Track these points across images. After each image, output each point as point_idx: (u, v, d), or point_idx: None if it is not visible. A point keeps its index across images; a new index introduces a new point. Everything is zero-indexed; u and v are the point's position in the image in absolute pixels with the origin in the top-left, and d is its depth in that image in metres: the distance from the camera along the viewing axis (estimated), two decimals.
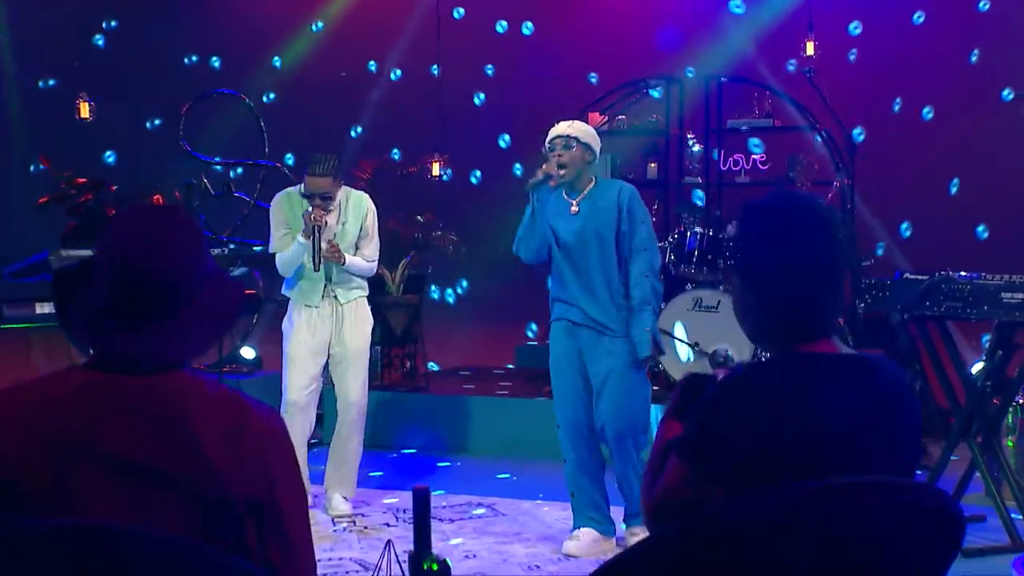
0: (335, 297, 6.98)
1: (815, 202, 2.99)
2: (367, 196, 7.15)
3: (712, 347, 8.97)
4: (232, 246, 8.95)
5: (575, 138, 6.40)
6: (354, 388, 7.01)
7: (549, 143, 6.49)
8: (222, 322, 2.73)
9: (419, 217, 11.01)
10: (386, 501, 7.66)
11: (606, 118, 11.66)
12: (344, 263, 6.87)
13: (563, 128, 6.45)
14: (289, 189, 7.13)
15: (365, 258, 7.04)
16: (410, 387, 9.97)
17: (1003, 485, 6.79)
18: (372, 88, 13.24)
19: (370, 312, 7.18)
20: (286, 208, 6.98)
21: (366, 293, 7.16)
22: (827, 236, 2.86)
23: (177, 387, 2.56)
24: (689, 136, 11.54)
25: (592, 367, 6.42)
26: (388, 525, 7.10)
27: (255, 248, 9.64)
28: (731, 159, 11.53)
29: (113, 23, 13.22)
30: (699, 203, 11.74)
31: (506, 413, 9.45)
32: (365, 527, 7.00)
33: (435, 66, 13.07)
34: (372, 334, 7.20)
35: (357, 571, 6.21)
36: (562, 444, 6.55)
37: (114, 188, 10.02)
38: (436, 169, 10.93)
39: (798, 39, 11.03)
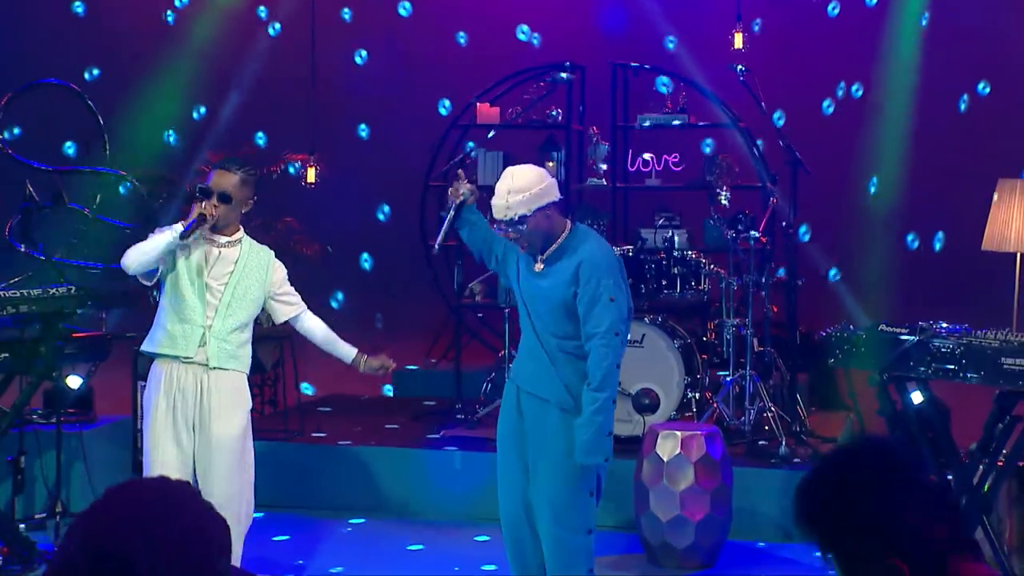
0: (204, 363, 5.70)
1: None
2: (270, 252, 6.00)
3: (634, 387, 8.04)
4: (66, 270, 7.70)
5: (520, 216, 5.28)
6: (220, 489, 5.64)
7: (494, 222, 5.50)
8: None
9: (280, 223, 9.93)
10: None
11: (498, 110, 10.69)
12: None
13: (501, 208, 5.33)
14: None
15: (301, 308, 6.04)
16: (283, 433, 8.66)
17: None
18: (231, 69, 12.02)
19: (248, 392, 5.89)
20: (176, 225, 5.75)
21: (245, 371, 5.87)
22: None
23: None
24: (593, 132, 10.62)
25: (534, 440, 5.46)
26: None
27: (93, 270, 8.43)
28: (640, 159, 10.62)
29: None
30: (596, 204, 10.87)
31: (396, 464, 8.31)
32: None
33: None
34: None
35: None
36: (505, 536, 5.60)
37: None
38: (311, 175, 9.77)
39: (724, 29, 10.11)
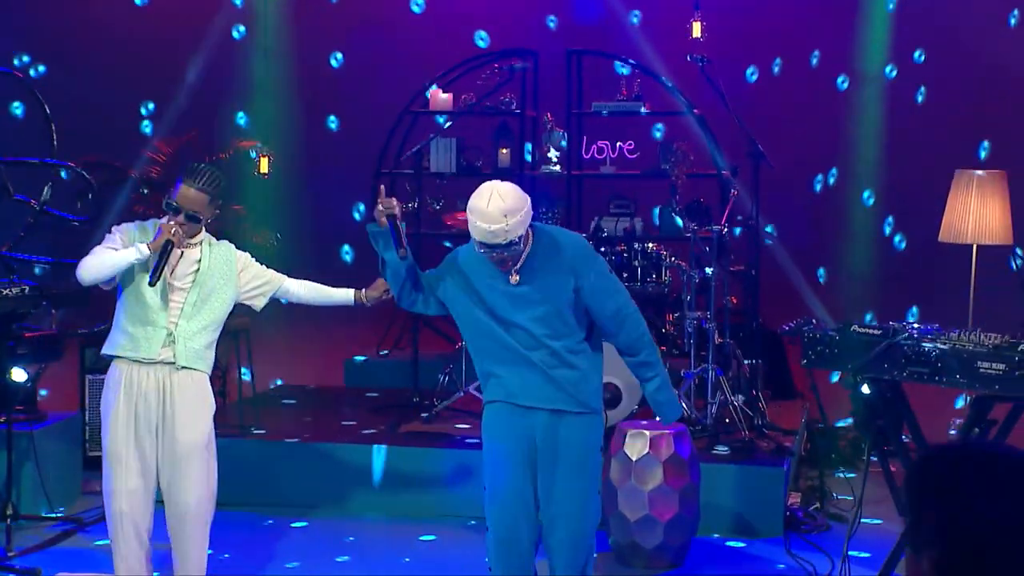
0: (171, 362, 5.50)
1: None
2: (229, 245, 5.81)
3: None
4: (15, 264, 7.51)
5: (513, 239, 5.05)
6: (187, 496, 5.51)
7: (483, 247, 5.10)
8: None
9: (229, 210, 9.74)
10: None
11: (451, 96, 10.57)
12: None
13: (500, 233, 5.01)
14: (145, 221, 5.73)
15: (276, 279, 5.86)
16: (234, 428, 8.48)
17: None
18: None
19: (211, 393, 5.69)
20: (132, 231, 5.59)
21: (209, 371, 5.67)
22: None
23: None
24: (547, 119, 10.53)
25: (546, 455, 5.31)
26: None
27: (43, 263, 8.27)
28: (595, 146, 10.56)
29: None
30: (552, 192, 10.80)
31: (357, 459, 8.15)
32: None
33: (240, 26, 11.70)
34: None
35: None
36: (493, 557, 5.38)
37: None
38: (264, 166, 9.59)
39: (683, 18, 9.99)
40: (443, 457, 8.13)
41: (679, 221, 9.36)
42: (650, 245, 8.75)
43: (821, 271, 11.02)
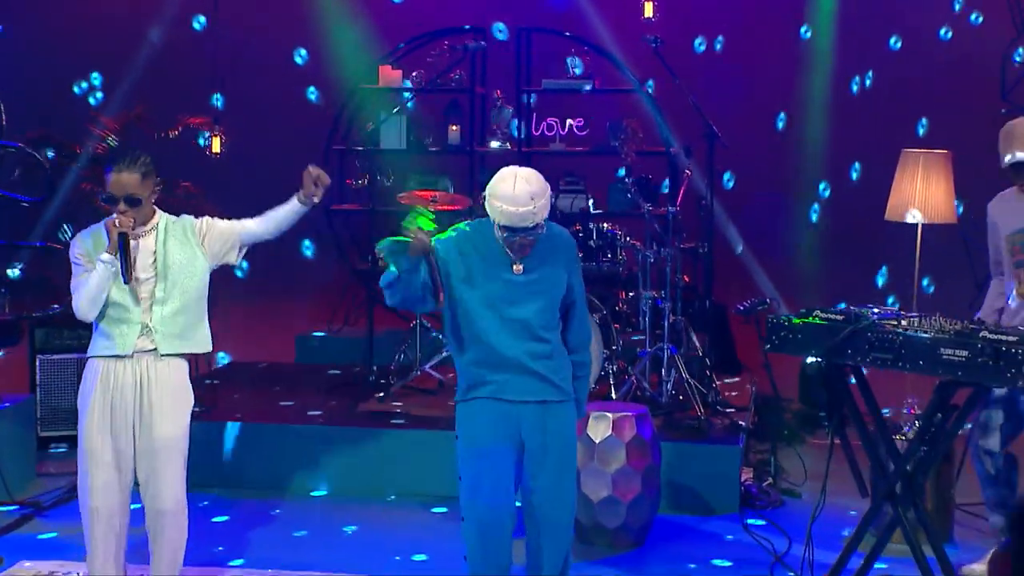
0: (152, 351, 5.43)
1: None
2: (190, 216, 5.68)
3: None
4: None
5: (539, 221, 5.10)
6: (165, 491, 5.46)
7: (508, 232, 5.10)
8: None
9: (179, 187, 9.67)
10: None
11: (400, 73, 10.57)
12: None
13: (528, 216, 5.05)
14: (92, 227, 5.60)
15: (239, 226, 5.68)
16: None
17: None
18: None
19: (189, 385, 5.61)
20: (87, 240, 5.48)
21: (201, 349, 5.61)
22: None
23: None
24: (497, 96, 10.57)
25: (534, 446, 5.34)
26: None
27: None
28: (544, 123, 10.61)
29: None
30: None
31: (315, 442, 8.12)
32: None
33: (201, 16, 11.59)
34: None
35: None
36: (473, 548, 5.36)
37: None
38: (216, 145, 9.53)
39: None
40: (404, 438, 8.15)
41: (632, 198, 9.46)
42: (605, 225, 8.80)
43: (770, 250, 11.12)
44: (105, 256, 5.39)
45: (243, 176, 10.49)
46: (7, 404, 8.00)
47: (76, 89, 11.36)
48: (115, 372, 5.46)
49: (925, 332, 5.81)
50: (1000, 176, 6.66)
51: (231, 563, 6.78)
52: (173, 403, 5.51)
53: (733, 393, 9.12)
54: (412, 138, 10.49)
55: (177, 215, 5.71)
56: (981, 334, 5.68)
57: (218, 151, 9.56)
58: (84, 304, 5.44)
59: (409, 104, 9.92)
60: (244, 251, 5.74)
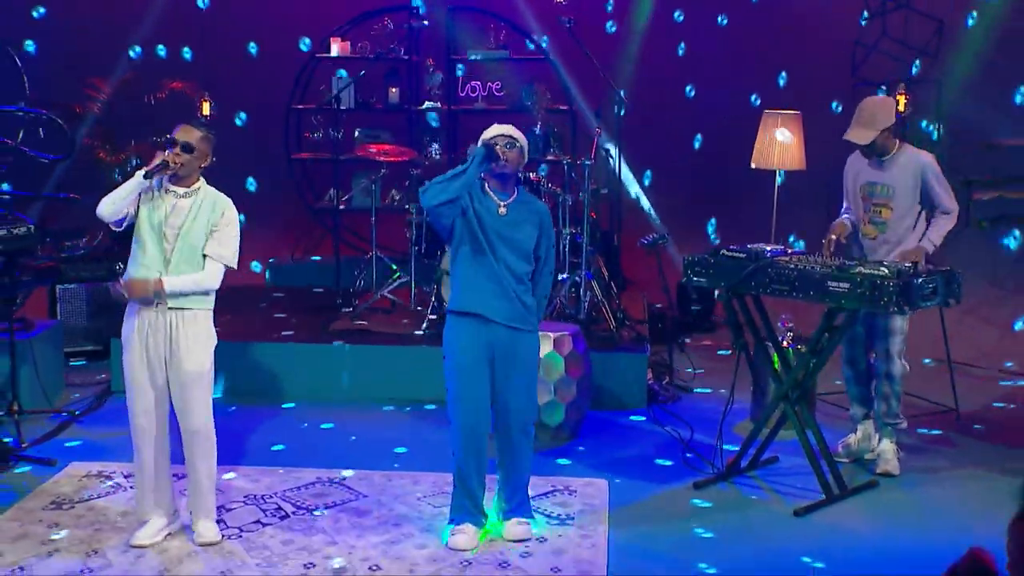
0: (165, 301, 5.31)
1: None
2: (229, 200, 5.46)
3: None
4: (6, 197, 7.27)
5: (517, 141, 5.54)
6: (195, 416, 5.43)
7: (491, 137, 5.50)
8: None
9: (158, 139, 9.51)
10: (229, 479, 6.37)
11: (348, 44, 10.51)
12: (163, 289, 5.26)
13: (508, 130, 5.56)
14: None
15: (216, 256, 5.35)
16: None
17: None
18: None
19: (213, 328, 5.49)
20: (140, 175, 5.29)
21: (209, 307, 5.45)
22: None
23: None
24: (429, 63, 10.57)
25: (503, 363, 5.51)
26: (261, 524, 5.76)
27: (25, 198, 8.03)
28: (469, 86, 10.64)
29: None
30: (434, 124, 10.87)
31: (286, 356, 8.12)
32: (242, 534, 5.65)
33: None
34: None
35: None
36: (459, 446, 5.54)
37: None
38: (206, 108, 9.39)
39: None
40: (378, 352, 8.20)
41: (544, 150, 9.59)
42: (531, 174, 8.91)
43: (659, 190, 11.28)
44: (141, 173, 5.28)
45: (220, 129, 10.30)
46: (41, 329, 7.90)
47: (58, 52, 10.92)
48: (148, 317, 5.38)
49: (814, 267, 6.06)
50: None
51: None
52: (198, 345, 5.41)
53: (630, 309, 9.31)
54: (359, 99, 10.45)
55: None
56: (858, 270, 5.94)
57: (208, 114, 9.40)
58: (106, 203, 5.30)
59: (362, 73, 9.82)
60: None
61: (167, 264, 5.35)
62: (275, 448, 7.07)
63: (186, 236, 5.37)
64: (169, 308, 5.36)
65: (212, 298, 5.49)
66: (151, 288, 5.28)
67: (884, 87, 9.31)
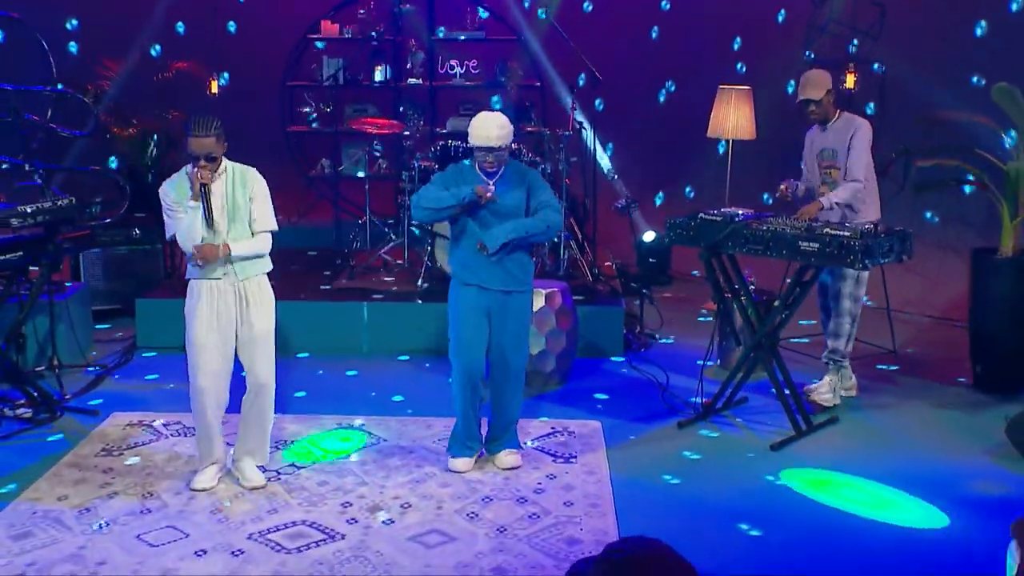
0: (235, 272, 5.35)
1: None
2: (254, 170, 5.45)
3: None
4: (40, 171, 7.11)
5: (502, 148, 5.53)
6: (263, 370, 5.46)
7: (476, 150, 5.51)
8: None
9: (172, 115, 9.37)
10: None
11: (337, 27, 10.37)
12: (230, 253, 5.29)
13: (494, 139, 5.50)
14: (173, 176, 5.40)
15: (262, 228, 5.39)
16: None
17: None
18: None
19: (271, 289, 5.52)
20: (173, 191, 5.31)
21: (268, 268, 5.50)
22: None
23: None
24: (411, 44, 10.47)
25: (498, 319, 5.63)
26: (296, 467, 5.76)
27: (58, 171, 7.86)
28: (448, 64, 10.57)
29: None
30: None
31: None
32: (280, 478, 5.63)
33: None
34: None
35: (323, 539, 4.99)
36: (458, 386, 5.68)
37: None
38: (214, 87, 9.23)
39: None
40: (371, 307, 8.18)
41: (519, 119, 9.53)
42: (512, 144, 8.87)
43: (626, 159, 11.25)
44: (191, 203, 5.28)
45: (222, 105, 10.17)
46: (72, 292, 7.79)
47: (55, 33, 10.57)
48: (217, 288, 5.38)
49: (784, 229, 6.13)
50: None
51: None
52: (264, 305, 5.47)
53: (606, 264, 9.39)
54: (347, 76, 10.34)
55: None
56: (825, 231, 6.02)
57: (215, 91, 9.25)
58: (182, 240, 5.33)
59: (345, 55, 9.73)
60: None
61: (232, 240, 5.37)
62: (298, 394, 7.05)
63: (233, 212, 5.37)
64: (239, 278, 5.39)
65: (268, 262, 5.52)
66: (220, 252, 5.30)
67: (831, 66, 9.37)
